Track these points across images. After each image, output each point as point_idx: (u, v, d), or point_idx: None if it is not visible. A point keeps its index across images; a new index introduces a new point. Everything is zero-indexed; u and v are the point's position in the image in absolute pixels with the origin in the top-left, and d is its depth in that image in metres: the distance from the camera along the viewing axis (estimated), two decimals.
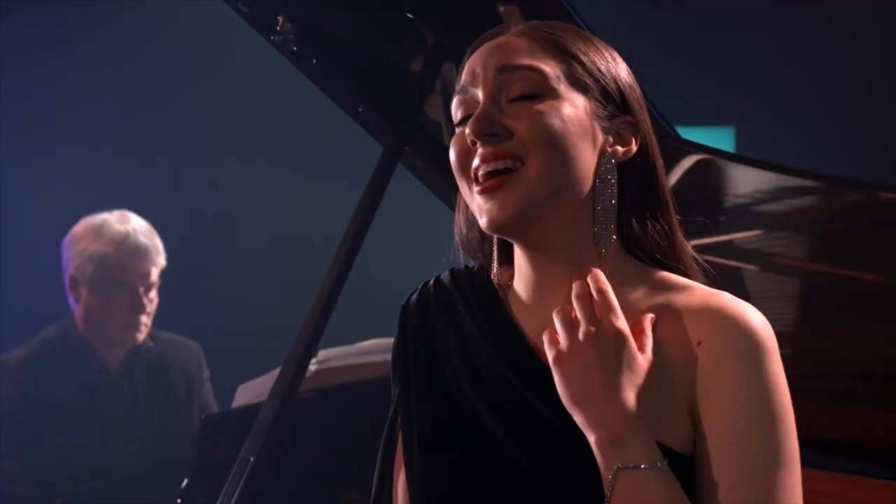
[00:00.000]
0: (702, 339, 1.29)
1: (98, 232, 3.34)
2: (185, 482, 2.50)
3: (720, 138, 5.04)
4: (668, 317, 1.32)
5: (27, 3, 4.51)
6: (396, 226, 2.45)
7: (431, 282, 1.52)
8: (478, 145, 1.34)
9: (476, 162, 1.34)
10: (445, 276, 1.51)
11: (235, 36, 3.26)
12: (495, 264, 1.47)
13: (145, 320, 3.37)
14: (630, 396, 1.27)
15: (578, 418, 1.28)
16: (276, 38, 2.11)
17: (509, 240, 1.41)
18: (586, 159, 1.34)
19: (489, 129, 1.33)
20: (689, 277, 1.40)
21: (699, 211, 2.61)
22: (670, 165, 2.39)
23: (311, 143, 4.43)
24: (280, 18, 2.10)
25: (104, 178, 4.66)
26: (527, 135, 1.32)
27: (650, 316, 1.32)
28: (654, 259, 1.40)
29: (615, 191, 1.35)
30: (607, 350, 1.28)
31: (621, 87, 1.38)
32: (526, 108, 1.33)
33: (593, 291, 1.32)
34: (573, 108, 1.34)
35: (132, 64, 4.77)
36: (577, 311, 1.31)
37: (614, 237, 1.37)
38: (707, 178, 2.54)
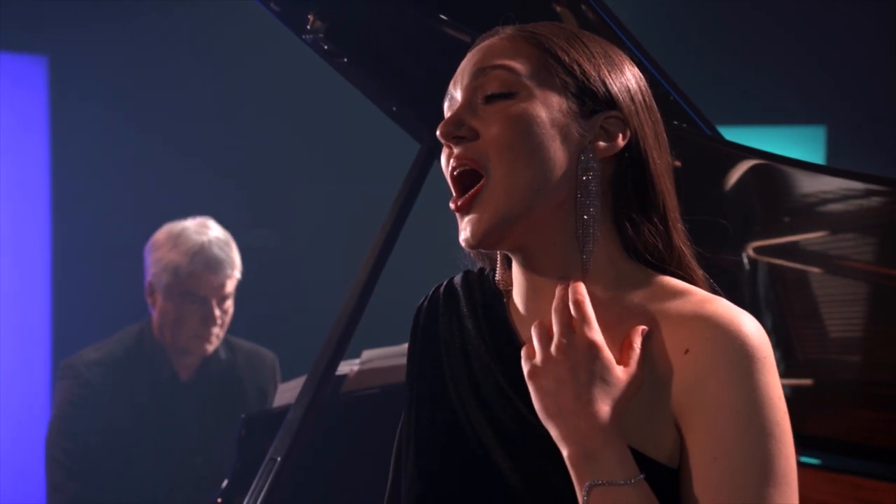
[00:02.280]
0: (689, 347, 1.24)
1: (176, 241, 3.35)
2: (224, 482, 2.51)
3: (811, 137, 4.92)
4: (661, 323, 1.28)
5: (111, 6, 4.60)
6: (429, 227, 2.43)
7: (444, 284, 1.50)
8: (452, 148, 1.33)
9: (452, 164, 1.32)
10: (458, 278, 1.49)
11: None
12: (499, 268, 1.44)
13: (216, 332, 3.38)
14: (603, 409, 1.22)
15: (553, 432, 1.25)
16: (308, 36, 2.11)
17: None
18: (559, 159, 1.29)
19: (455, 130, 1.31)
20: (692, 282, 1.34)
21: (762, 214, 2.56)
22: (725, 171, 2.33)
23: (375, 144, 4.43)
24: (310, 17, 2.10)
25: (188, 182, 4.75)
26: (491, 138, 1.29)
27: (641, 328, 1.27)
28: (651, 262, 1.34)
29: (597, 189, 1.30)
30: (579, 362, 1.24)
31: (607, 81, 1.32)
32: (497, 108, 1.30)
33: (570, 303, 1.27)
34: (545, 105, 1.29)
35: (220, 69, 4.85)
36: (554, 324, 1.27)
37: (604, 239, 1.32)
38: (770, 181, 2.47)
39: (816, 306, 2.69)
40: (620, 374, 1.24)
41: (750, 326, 1.24)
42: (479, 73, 1.33)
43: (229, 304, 3.42)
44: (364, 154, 4.64)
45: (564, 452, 1.24)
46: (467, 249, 1.34)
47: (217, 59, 4.82)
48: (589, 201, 1.30)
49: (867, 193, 2.47)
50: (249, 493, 2.08)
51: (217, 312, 3.37)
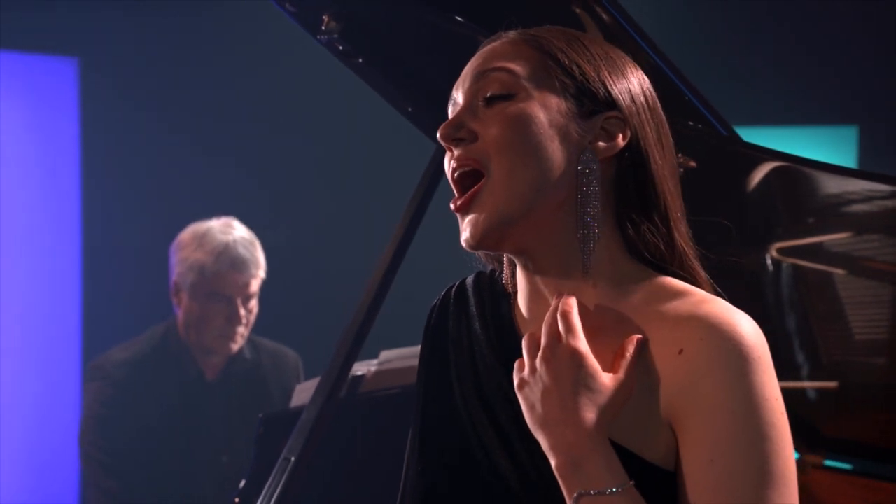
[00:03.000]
0: (684, 347, 1.23)
1: (201, 241, 3.37)
2: (242, 482, 2.52)
3: (842, 138, 4.89)
4: (657, 324, 1.27)
5: (141, 9, 4.63)
6: (448, 226, 2.42)
7: (457, 284, 1.52)
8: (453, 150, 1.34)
9: (452, 165, 1.33)
10: (470, 279, 1.50)
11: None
12: (506, 270, 1.45)
13: (241, 331, 3.39)
14: (588, 418, 1.22)
15: (542, 443, 1.25)
16: (322, 37, 2.12)
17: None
18: (558, 160, 1.30)
19: (454, 132, 1.32)
20: (694, 283, 1.33)
21: (785, 215, 2.54)
22: (743, 171, 2.32)
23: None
24: (325, 18, 2.10)
25: (217, 182, 4.77)
26: (490, 139, 1.30)
27: (637, 337, 1.26)
28: (654, 262, 1.33)
29: (597, 189, 1.30)
30: (563, 371, 1.24)
31: (606, 83, 1.32)
32: (496, 110, 1.31)
33: (557, 314, 1.27)
34: (543, 107, 1.30)
35: (249, 69, 4.87)
36: (542, 335, 1.28)
37: (606, 239, 1.32)
38: (792, 182, 2.45)
39: (841, 308, 2.67)
40: (607, 381, 1.24)
41: (745, 327, 1.23)
42: (480, 76, 1.34)
43: (254, 304, 3.43)
44: (383, 153, 4.65)
45: (553, 462, 1.24)
46: (468, 250, 1.34)
47: (246, 59, 4.84)
48: (589, 201, 1.30)
49: (892, 195, 2.45)
50: (264, 493, 2.09)
51: (242, 312, 3.38)
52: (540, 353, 1.26)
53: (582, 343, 1.25)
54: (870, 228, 2.54)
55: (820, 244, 2.60)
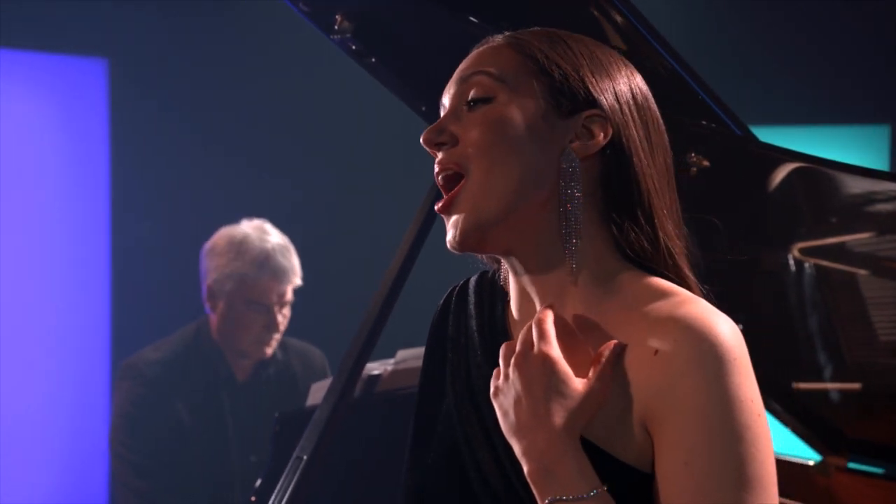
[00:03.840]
0: (659, 348, 1.22)
1: (239, 249, 3.38)
2: (258, 481, 2.53)
3: (875, 137, 4.85)
4: (638, 325, 1.26)
5: (170, 11, 4.66)
6: None
7: (461, 284, 1.53)
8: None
9: (436, 169, 1.35)
10: (474, 279, 1.51)
11: None
12: (502, 270, 1.46)
13: (277, 337, 3.42)
14: (559, 423, 1.22)
15: (515, 449, 1.25)
16: (336, 36, 2.13)
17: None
18: (537, 160, 1.30)
19: (435, 137, 1.34)
20: (682, 283, 1.32)
21: (808, 216, 2.53)
22: (760, 171, 2.31)
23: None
24: (338, 17, 2.11)
25: (245, 182, 4.80)
26: (469, 142, 1.31)
27: (615, 343, 1.26)
28: (641, 262, 1.33)
29: (578, 187, 1.30)
30: (534, 378, 1.24)
31: (587, 81, 1.32)
32: (477, 114, 1.32)
33: (533, 322, 1.28)
34: (522, 107, 1.31)
35: (278, 70, 4.89)
36: (517, 343, 1.29)
37: (592, 238, 1.32)
38: (814, 182, 2.44)
39: (864, 308, 2.65)
40: (579, 386, 1.24)
41: (722, 328, 1.22)
42: (463, 80, 1.36)
43: (288, 310, 3.46)
44: (400, 152, 4.64)
45: (525, 469, 1.24)
46: (454, 251, 1.35)
47: (274, 60, 4.87)
48: (570, 200, 1.30)
49: None
50: (276, 491, 2.10)
51: (280, 318, 3.42)
52: (512, 360, 1.27)
53: (553, 349, 1.25)
54: (893, 228, 2.52)
55: (843, 244, 2.57)
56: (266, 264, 3.36)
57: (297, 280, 3.44)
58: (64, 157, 4.65)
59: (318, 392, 2.71)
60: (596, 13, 2.03)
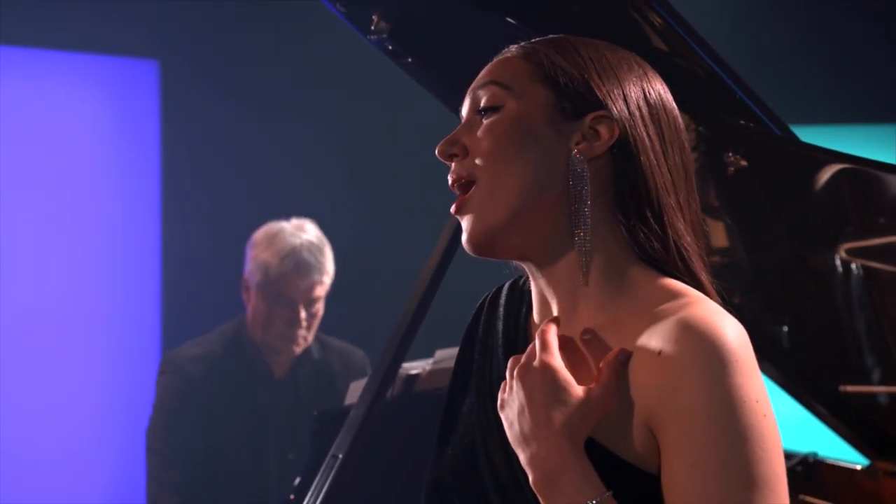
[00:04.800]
0: (662, 349, 1.23)
1: (271, 241, 3.41)
2: (297, 480, 2.55)
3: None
4: (647, 326, 1.27)
5: (221, 11, 4.70)
6: None
7: (498, 288, 1.56)
8: None
9: (450, 179, 1.39)
10: (510, 282, 1.54)
11: None
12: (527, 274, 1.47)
13: (303, 334, 3.42)
14: (561, 432, 1.22)
15: (520, 459, 1.27)
16: (373, 37, 2.14)
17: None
18: (543, 164, 1.32)
19: (448, 149, 1.37)
20: (695, 284, 1.32)
21: (855, 216, 2.50)
22: (802, 171, 2.29)
23: None
24: (375, 18, 2.12)
25: (296, 182, 4.82)
26: (478, 151, 1.34)
27: (622, 350, 1.26)
28: (654, 264, 1.33)
29: (586, 189, 1.31)
30: (535, 387, 1.25)
31: (592, 83, 1.34)
32: (486, 123, 1.35)
33: (537, 333, 1.29)
34: (526, 114, 1.33)
35: (328, 69, 4.91)
36: (523, 356, 1.30)
37: (606, 240, 1.33)
38: (861, 182, 2.41)
39: None
40: (581, 393, 1.24)
41: (725, 328, 1.22)
42: (475, 91, 1.39)
43: (318, 308, 3.46)
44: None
45: (530, 478, 1.25)
46: (471, 254, 1.38)
47: (326, 58, 4.88)
48: (579, 201, 1.31)
49: None
50: (312, 489, 2.12)
51: (303, 315, 3.41)
52: (516, 372, 1.28)
53: (554, 359, 1.26)
54: None
55: (891, 244, 2.54)
56: (289, 258, 3.37)
57: (326, 279, 3.44)
58: (116, 158, 4.70)
59: (356, 391, 2.72)
60: (635, 15, 2.02)
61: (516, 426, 1.26)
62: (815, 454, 2.97)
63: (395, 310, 2.37)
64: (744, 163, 2.12)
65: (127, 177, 4.73)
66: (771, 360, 2.80)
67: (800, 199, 2.42)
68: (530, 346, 1.30)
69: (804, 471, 2.96)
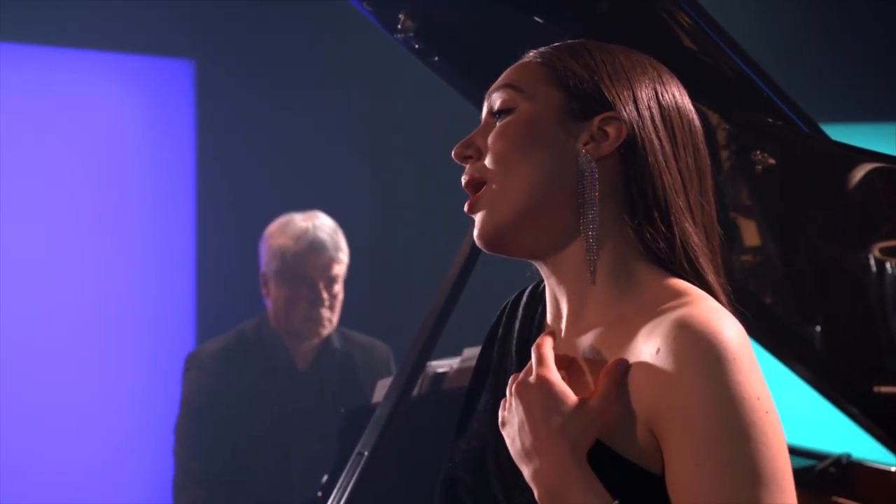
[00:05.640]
0: (660, 348, 1.23)
1: (283, 228, 3.49)
2: (325, 477, 2.56)
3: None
4: (648, 326, 1.27)
5: (256, 11, 4.72)
6: None
7: (522, 289, 1.58)
8: None
9: (463, 181, 1.42)
10: (533, 285, 1.55)
11: None
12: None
13: (327, 314, 3.46)
14: (560, 445, 1.22)
15: (525, 476, 1.27)
16: (399, 35, 2.15)
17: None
18: (551, 165, 1.34)
19: (463, 151, 1.40)
20: (702, 285, 1.33)
21: (890, 215, 2.48)
22: (835, 171, 2.27)
23: None
24: (401, 16, 2.13)
25: (331, 180, 4.84)
26: (489, 153, 1.37)
27: (621, 360, 1.26)
28: (662, 264, 1.34)
29: (594, 189, 1.32)
30: (533, 402, 1.25)
31: (602, 85, 1.35)
32: (498, 125, 1.38)
33: (533, 348, 1.30)
34: (536, 116, 1.35)
35: (363, 68, 4.92)
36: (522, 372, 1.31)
37: (615, 239, 1.34)
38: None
39: None
40: (579, 404, 1.24)
41: (722, 327, 1.22)
42: (490, 95, 1.42)
43: (338, 289, 3.51)
44: None
45: (536, 494, 1.25)
46: (483, 250, 1.40)
47: (361, 57, 4.90)
48: (587, 201, 1.33)
49: None
50: (337, 487, 2.13)
51: (325, 295, 3.46)
52: (514, 388, 1.29)
53: (550, 372, 1.27)
54: None
55: None
56: (304, 237, 3.44)
57: (342, 257, 3.50)
58: (151, 158, 4.74)
59: (383, 389, 2.73)
60: (664, 16, 2.02)
61: (517, 442, 1.27)
62: (848, 455, 2.95)
63: (422, 307, 2.37)
64: (772, 161, 2.11)
65: (162, 177, 4.77)
66: (803, 360, 2.78)
67: (832, 198, 2.40)
68: (529, 363, 1.31)
69: (837, 472, 2.93)
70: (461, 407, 1.51)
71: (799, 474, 2.93)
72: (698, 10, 1.98)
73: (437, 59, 2.18)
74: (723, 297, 1.33)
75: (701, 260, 1.34)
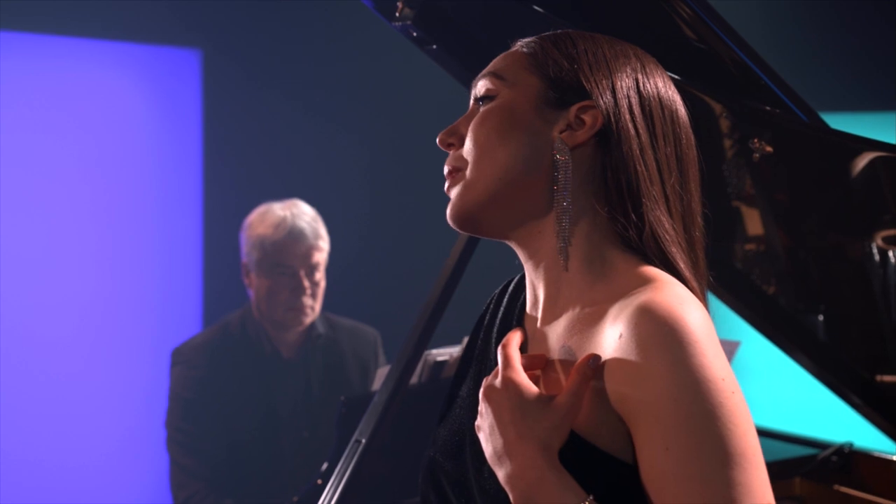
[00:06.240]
0: (623, 333, 1.24)
1: (262, 218, 3.49)
2: (325, 465, 2.56)
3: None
4: (616, 311, 1.28)
5: (263, 0, 4.71)
6: None
7: (512, 278, 1.60)
8: None
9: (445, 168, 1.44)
10: (521, 274, 1.56)
11: None
12: None
13: (309, 303, 3.47)
14: (530, 446, 1.23)
15: (499, 478, 1.27)
16: (397, 23, 2.15)
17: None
18: (526, 150, 1.36)
19: (446, 139, 1.43)
20: (675, 273, 1.33)
21: (893, 205, 2.47)
22: (839, 161, 2.26)
23: None
24: (399, 4, 2.13)
25: (338, 173, 4.84)
26: (468, 138, 1.39)
27: (592, 356, 1.26)
28: (636, 251, 1.35)
29: (568, 177, 1.34)
30: (501, 404, 1.26)
31: (581, 74, 1.37)
32: (480, 112, 1.41)
33: (499, 348, 1.30)
34: (514, 102, 1.37)
35: (372, 61, 4.92)
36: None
37: (589, 227, 1.36)
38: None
39: None
40: (548, 403, 1.24)
41: (684, 312, 1.23)
42: (476, 82, 1.44)
43: (319, 277, 3.51)
44: None
45: (511, 497, 1.25)
46: (455, 230, 1.43)
47: (368, 49, 4.90)
48: (561, 188, 1.34)
49: None
50: (335, 474, 2.13)
51: (306, 283, 3.46)
52: (482, 392, 1.30)
53: (516, 373, 1.27)
54: None
55: None
56: (283, 225, 3.45)
57: (322, 245, 3.50)
58: (158, 147, 4.74)
59: (383, 377, 2.73)
60: (665, 7, 2.02)
61: (489, 446, 1.27)
62: (850, 444, 2.95)
63: (421, 296, 2.37)
64: (769, 149, 2.11)
65: (168, 166, 4.77)
66: (806, 350, 2.78)
67: (832, 187, 2.40)
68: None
69: (840, 461, 2.93)
70: (447, 394, 1.53)
71: (801, 463, 2.94)
72: (698, 1, 1.98)
73: (434, 46, 2.19)
74: (694, 285, 1.34)
75: (672, 249, 1.34)
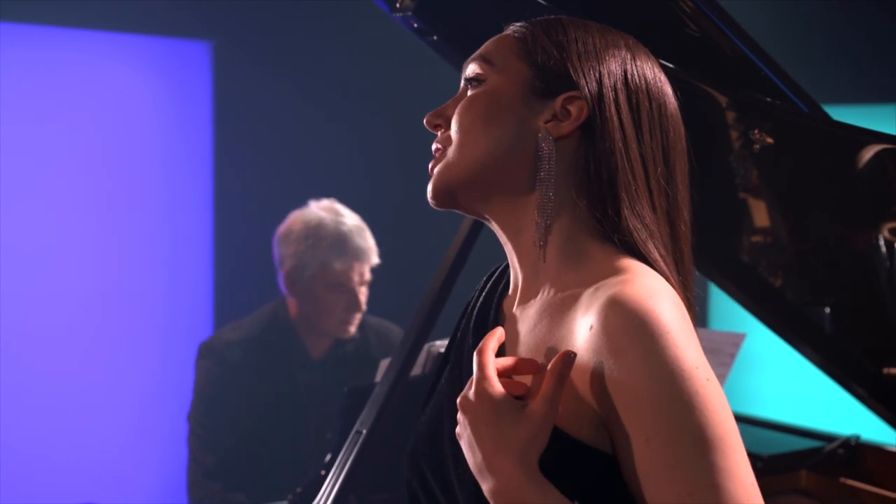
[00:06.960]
0: (593, 325, 1.23)
1: (317, 235, 3.42)
2: (328, 456, 2.57)
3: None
4: (587, 304, 1.28)
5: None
6: None
7: (500, 264, 1.60)
8: None
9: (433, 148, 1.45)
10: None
11: None
12: None
13: (359, 316, 3.47)
14: (509, 458, 1.21)
15: (484, 491, 1.26)
16: (398, 14, 2.16)
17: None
18: (509, 136, 1.36)
19: (433, 120, 1.44)
20: (652, 266, 1.32)
21: None
22: (844, 153, 2.26)
23: None
24: None
25: (349, 165, 4.84)
26: (452, 122, 1.40)
27: (568, 352, 1.25)
28: (616, 242, 1.35)
29: (551, 166, 1.34)
30: (477, 416, 1.24)
31: (570, 64, 1.36)
32: (468, 95, 1.41)
33: (474, 354, 1.28)
34: (500, 88, 1.37)
35: (383, 53, 4.92)
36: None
37: (568, 216, 1.36)
38: None
39: None
40: (523, 413, 1.23)
41: (654, 303, 1.22)
42: (466, 65, 1.44)
43: (366, 288, 3.51)
44: None
45: None
46: (433, 207, 1.44)
47: (380, 41, 4.89)
48: (543, 177, 1.34)
49: None
50: (337, 463, 2.14)
51: (361, 299, 3.47)
52: (459, 403, 1.28)
53: (489, 383, 1.25)
54: None
55: None
56: (345, 248, 3.41)
57: (375, 258, 3.48)
58: (168, 139, 4.76)
59: (385, 367, 2.73)
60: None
61: (471, 460, 1.26)
62: (857, 437, 2.94)
63: (422, 286, 2.38)
64: (770, 140, 2.10)
65: (179, 159, 4.79)
66: (812, 342, 2.78)
67: (839, 179, 2.39)
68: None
69: (846, 454, 2.93)
70: (432, 381, 1.53)
71: (807, 456, 2.93)
72: None
73: (435, 37, 2.19)
74: (673, 279, 1.33)
75: (649, 243, 1.34)
